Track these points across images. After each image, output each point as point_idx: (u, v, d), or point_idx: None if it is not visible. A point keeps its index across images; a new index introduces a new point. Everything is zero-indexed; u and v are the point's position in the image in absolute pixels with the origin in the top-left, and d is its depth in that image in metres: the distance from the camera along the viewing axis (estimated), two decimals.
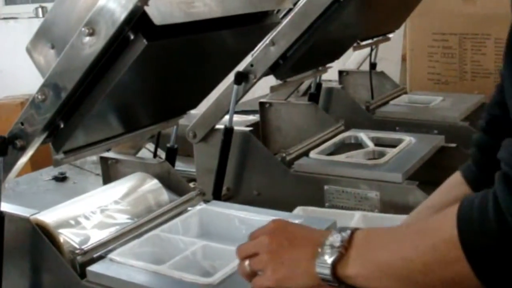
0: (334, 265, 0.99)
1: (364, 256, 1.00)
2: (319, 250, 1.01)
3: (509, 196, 0.85)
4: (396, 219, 1.79)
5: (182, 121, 1.86)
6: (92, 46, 1.22)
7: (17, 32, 6.48)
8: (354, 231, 1.02)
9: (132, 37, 1.24)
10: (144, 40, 1.23)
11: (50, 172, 2.64)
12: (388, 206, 1.89)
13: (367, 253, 1.00)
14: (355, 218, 1.79)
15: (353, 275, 0.99)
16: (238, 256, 1.11)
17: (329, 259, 0.99)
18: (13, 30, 6.62)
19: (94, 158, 2.52)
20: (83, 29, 1.21)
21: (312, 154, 2.12)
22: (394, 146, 2.13)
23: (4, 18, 6.91)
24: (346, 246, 1.00)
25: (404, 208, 1.84)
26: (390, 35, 3.05)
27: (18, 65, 6.20)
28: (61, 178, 2.58)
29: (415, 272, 0.94)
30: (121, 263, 1.39)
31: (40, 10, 6.65)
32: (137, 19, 1.21)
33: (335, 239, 1.01)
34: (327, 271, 0.99)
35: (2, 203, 1.40)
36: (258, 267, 1.07)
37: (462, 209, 0.91)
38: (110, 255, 1.42)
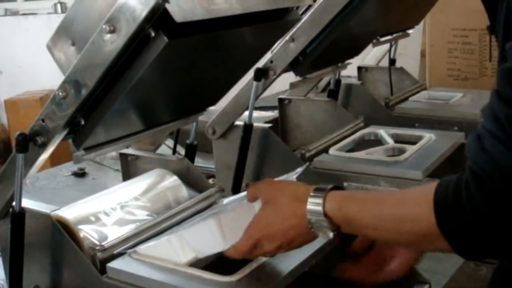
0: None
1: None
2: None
3: (479, 191, 0.99)
4: None
5: (201, 117, 1.86)
6: (113, 43, 1.22)
7: (36, 28, 6.51)
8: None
9: (153, 34, 1.24)
10: (165, 38, 1.23)
11: (69, 167, 2.66)
12: None
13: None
14: None
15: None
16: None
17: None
18: (32, 26, 6.64)
19: (114, 154, 2.53)
20: (104, 26, 1.21)
21: (332, 150, 2.11)
22: (414, 143, 2.12)
23: (24, 14, 6.94)
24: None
25: None
26: (410, 31, 3.03)
27: (37, 61, 6.25)
28: (80, 174, 2.60)
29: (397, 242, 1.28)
30: (141, 260, 1.39)
31: (59, 5, 6.68)
32: (158, 16, 1.21)
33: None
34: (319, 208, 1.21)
35: (23, 199, 1.41)
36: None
37: (438, 194, 1.06)
38: (130, 252, 1.42)
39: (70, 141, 1.43)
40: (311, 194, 1.23)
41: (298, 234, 1.26)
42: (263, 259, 1.34)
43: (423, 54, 3.79)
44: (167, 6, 1.18)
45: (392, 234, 1.17)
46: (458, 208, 1.02)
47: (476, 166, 1.00)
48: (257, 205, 1.33)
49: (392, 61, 3.05)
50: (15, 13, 7.07)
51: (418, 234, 1.10)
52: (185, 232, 1.39)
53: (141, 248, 1.42)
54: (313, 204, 1.22)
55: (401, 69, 3.07)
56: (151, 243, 1.44)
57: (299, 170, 1.56)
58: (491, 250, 1.06)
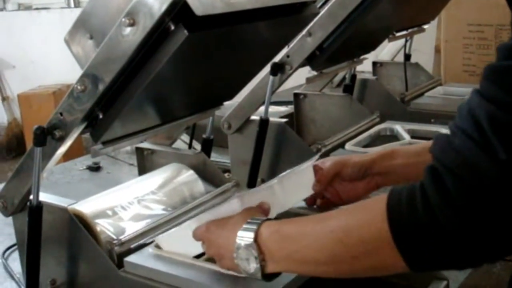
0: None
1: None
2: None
3: (437, 192, 0.90)
4: None
5: (217, 112, 1.85)
6: (132, 37, 1.21)
7: (49, 22, 6.54)
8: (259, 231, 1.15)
9: (172, 27, 1.23)
10: (185, 31, 1.22)
11: (84, 161, 2.66)
12: None
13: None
14: None
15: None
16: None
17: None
18: (45, 20, 6.66)
19: (128, 148, 2.53)
20: (123, 19, 1.20)
21: (348, 146, 2.11)
22: (430, 139, 2.09)
23: (36, 9, 6.96)
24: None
25: None
26: (425, 26, 3.01)
27: (50, 55, 6.29)
28: (95, 168, 2.59)
29: (343, 264, 1.04)
30: (159, 254, 1.39)
31: (72, 0, 6.69)
32: (178, 10, 1.20)
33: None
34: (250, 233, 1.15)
35: (40, 193, 1.41)
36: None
37: (391, 203, 0.97)
38: (148, 246, 1.42)
39: (83, 136, 1.43)
40: (248, 220, 1.19)
41: (226, 258, 1.22)
42: None
43: (437, 50, 3.78)
44: None
45: (336, 252, 1.03)
46: (412, 212, 0.93)
47: (440, 163, 0.92)
48: (277, 187, 1.32)
49: (407, 56, 3.04)
50: (28, 7, 7.10)
51: (366, 241, 0.99)
52: (204, 216, 1.37)
53: (162, 237, 1.42)
54: (246, 229, 1.17)
55: (416, 64, 3.06)
56: (171, 230, 1.44)
57: (314, 158, 1.56)
58: (446, 258, 0.94)
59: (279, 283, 1.21)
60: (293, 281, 1.25)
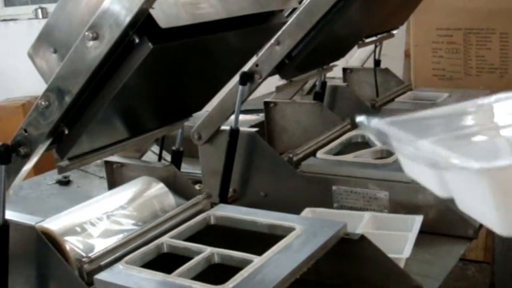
0: None
1: None
2: None
3: None
4: (406, 219, 1.77)
5: (187, 122, 1.83)
6: (96, 50, 1.19)
7: (17, 33, 6.46)
8: None
9: (137, 40, 1.22)
10: (150, 44, 1.20)
11: (53, 175, 2.62)
12: (398, 206, 1.86)
13: None
14: (365, 219, 1.77)
15: None
16: None
17: None
18: (13, 32, 6.59)
19: (98, 161, 2.50)
20: (86, 33, 1.19)
21: (319, 154, 2.10)
22: None
23: (4, 20, 6.88)
24: None
25: (413, 208, 1.81)
26: (394, 32, 3.02)
27: (19, 67, 6.20)
28: (64, 182, 2.56)
29: None
30: (129, 271, 1.36)
31: (40, 11, 6.63)
32: (142, 22, 1.19)
33: None
34: None
35: (7, 211, 1.38)
36: None
37: None
38: (118, 263, 1.39)
39: (54, 151, 1.40)
40: None
41: None
42: (254, 267, 1.32)
43: (407, 54, 3.78)
44: (151, 11, 1.16)
45: None
46: None
47: None
48: None
49: (377, 62, 3.04)
50: None
51: None
52: None
53: (129, 258, 1.40)
54: None
55: (386, 70, 3.06)
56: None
57: None
58: None
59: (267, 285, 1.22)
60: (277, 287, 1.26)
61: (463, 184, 0.84)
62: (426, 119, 1.03)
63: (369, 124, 1.00)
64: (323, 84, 2.68)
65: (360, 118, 0.98)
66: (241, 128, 2.04)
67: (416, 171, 0.98)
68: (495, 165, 0.75)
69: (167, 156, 2.09)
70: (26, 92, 6.08)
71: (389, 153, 2.04)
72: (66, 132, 1.34)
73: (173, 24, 1.19)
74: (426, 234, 1.74)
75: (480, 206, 0.82)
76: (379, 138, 1.01)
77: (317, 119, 2.41)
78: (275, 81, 2.26)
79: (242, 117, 2.38)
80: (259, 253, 1.37)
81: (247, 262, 1.35)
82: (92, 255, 1.41)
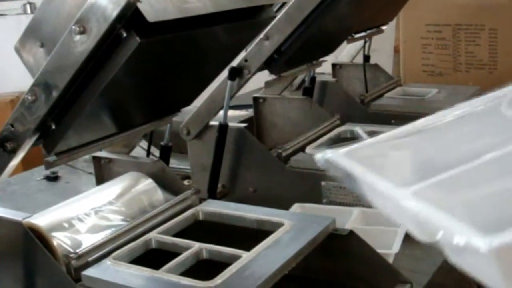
0: None
1: None
2: None
3: None
4: None
5: (175, 117, 1.82)
6: (83, 44, 1.18)
7: (5, 29, 6.42)
8: None
9: (124, 34, 1.21)
10: (137, 38, 1.19)
11: (41, 171, 2.61)
12: None
13: None
14: (353, 215, 1.77)
15: None
16: None
17: None
18: (1, 27, 6.56)
19: (87, 156, 2.48)
20: (73, 27, 1.18)
21: (309, 149, 2.09)
22: None
23: None
24: None
25: None
26: (384, 27, 3.02)
27: (7, 62, 6.16)
28: (53, 178, 2.55)
29: None
30: (117, 267, 1.36)
31: (28, 6, 6.59)
32: (130, 16, 1.18)
33: None
34: None
35: None
36: None
37: None
38: (106, 259, 1.39)
39: (42, 147, 1.39)
40: None
41: None
42: (243, 263, 1.31)
43: (396, 50, 3.79)
44: (139, 5, 1.15)
45: None
46: None
47: None
48: None
49: (367, 58, 3.03)
50: None
51: None
52: None
53: (116, 254, 1.39)
54: None
55: (376, 65, 3.05)
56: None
57: None
58: None
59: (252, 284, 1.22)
60: (264, 283, 1.25)
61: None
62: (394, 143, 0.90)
63: (335, 163, 0.86)
64: (313, 79, 2.67)
65: (318, 156, 0.87)
66: (230, 124, 2.03)
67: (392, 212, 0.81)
68: (506, 240, 0.61)
69: (156, 152, 2.08)
70: (15, 88, 6.05)
71: None
72: (53, 127, 1.33)
73: (160, 18, 1.18)
74: None
75: (484, 279, 0.68)
76: (349, 184, 0.84)
77: (306, 115, 2.40)
78: (264, 76, 2.25)
79: (231, 112, 2.38)
80: (248, 248, 1.37)
81: (236, 257, 1.34)
82: (79, 251, 1.40)
